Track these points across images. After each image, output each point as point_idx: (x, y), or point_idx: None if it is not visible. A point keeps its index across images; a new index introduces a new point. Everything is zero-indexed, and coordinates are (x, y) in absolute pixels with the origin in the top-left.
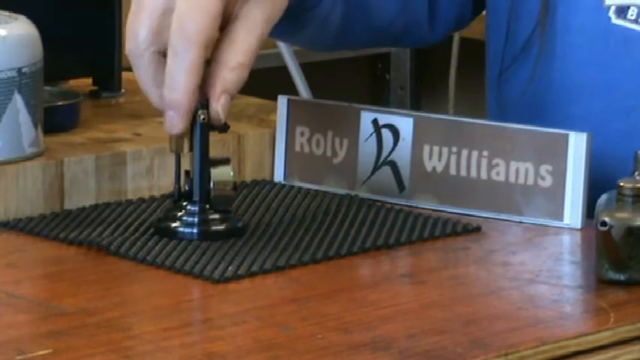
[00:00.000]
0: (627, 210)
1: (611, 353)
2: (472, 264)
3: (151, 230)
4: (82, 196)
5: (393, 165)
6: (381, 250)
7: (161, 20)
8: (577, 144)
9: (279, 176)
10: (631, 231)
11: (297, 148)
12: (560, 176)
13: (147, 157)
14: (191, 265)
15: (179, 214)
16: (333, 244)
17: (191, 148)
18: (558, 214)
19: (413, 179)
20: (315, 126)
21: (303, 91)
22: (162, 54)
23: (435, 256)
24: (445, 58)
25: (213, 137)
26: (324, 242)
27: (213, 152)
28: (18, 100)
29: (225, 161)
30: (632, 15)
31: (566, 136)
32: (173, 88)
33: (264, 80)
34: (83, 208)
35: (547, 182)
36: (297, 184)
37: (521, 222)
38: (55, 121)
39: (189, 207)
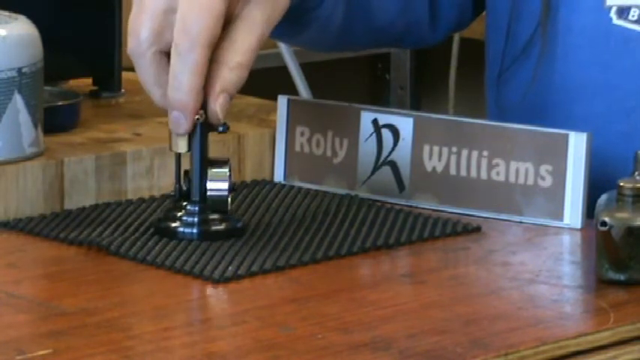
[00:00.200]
0: (627, 210)
1: (611, 353)
2: (472, 264)
3: (151, 230)
4: (82, 196)
5: (393, 165)
6: (381, 250)
7: (163, 20)
8: (577, 144)
9: (279, 176)
10: (631, 231)
11: (297, 148)
12: (560, 176)
13: (147, 157)
14: (191, 265)
15: (179, 214)
16: (333, 244)
17: (190, 148)
18: (558, 214)
19: (413, 179)
20: (315, 126)
21: (303, 91)
22: (164, 53)
23: (435, 256)
24: (445, 58)
25: (213, 137)
26: (324, 242)
27: (213, 152)
28: (18, 100)
29: (224, 162)
30: (633, 16)
31: (566, 136)
32: (177, 88)
33: (264, 80)
34: (83, 208)
35: (547, 182)
36: (297, 184)
37: (521, 222)
38: (55, 121)
39: (189, 207)
